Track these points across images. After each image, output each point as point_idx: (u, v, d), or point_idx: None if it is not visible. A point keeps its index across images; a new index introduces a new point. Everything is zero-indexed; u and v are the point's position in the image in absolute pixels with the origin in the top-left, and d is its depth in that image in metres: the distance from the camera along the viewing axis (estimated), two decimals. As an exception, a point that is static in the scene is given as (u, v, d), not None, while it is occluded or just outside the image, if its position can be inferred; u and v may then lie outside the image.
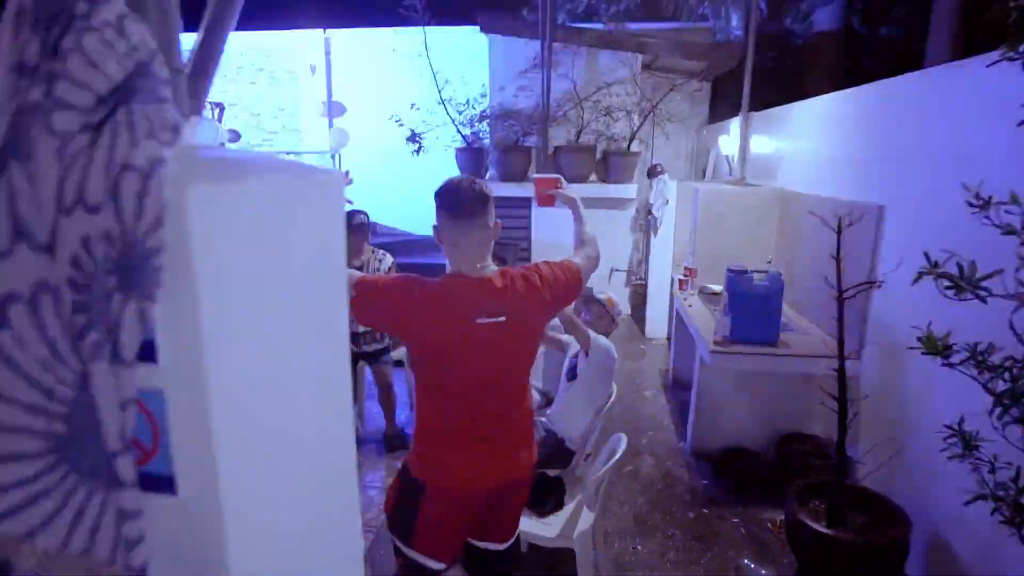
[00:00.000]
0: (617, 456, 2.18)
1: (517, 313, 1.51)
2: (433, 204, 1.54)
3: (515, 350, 1.58)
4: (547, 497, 2.38)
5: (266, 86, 8.46)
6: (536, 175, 2.41)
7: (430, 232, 1.60)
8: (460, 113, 6.32)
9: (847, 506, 2.24)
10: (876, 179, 2.81)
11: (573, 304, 2.28)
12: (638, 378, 4.72)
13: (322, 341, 0.72)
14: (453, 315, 1.48)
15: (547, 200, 2.21)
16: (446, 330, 1.49)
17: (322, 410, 0.73)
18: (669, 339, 5.60)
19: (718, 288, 4.24)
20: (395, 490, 1.64)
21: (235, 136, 8.44)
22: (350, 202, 3.50)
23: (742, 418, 3.41)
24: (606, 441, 2.39)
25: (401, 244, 7.55)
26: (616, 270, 6.28)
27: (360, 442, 3.53)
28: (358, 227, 3.46)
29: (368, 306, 1.50)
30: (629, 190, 6.03)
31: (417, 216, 8.07)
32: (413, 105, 5.99)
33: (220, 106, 8.33)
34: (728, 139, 5.60)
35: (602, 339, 2.56)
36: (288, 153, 8.21)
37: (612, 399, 2.65)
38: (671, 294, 5.53)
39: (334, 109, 7.53)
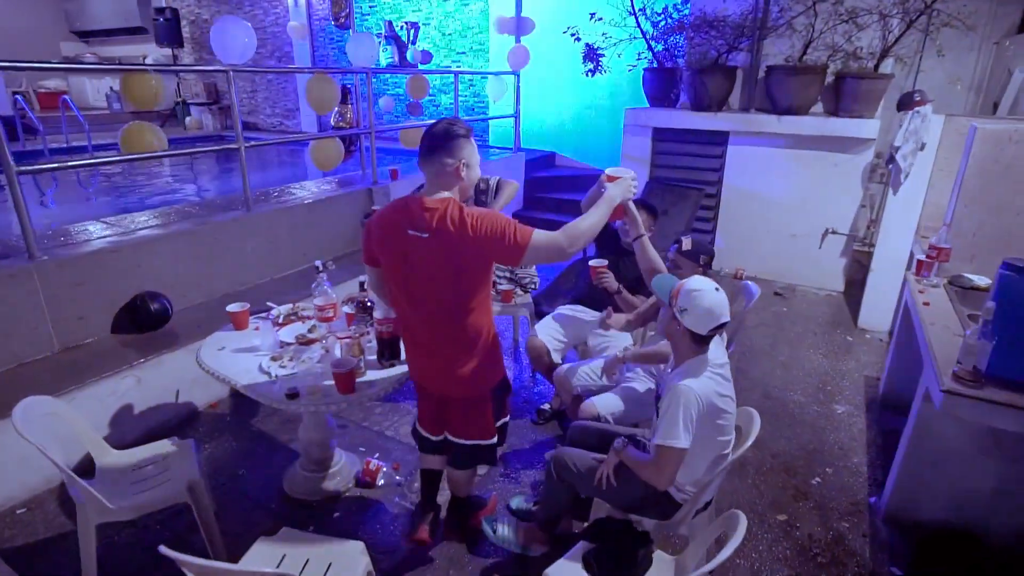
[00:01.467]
0: (734, 544, 1.41)
1: (439, 233, 1.70)
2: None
3: (439, 265, 1.73)
4: (620, 555, 1.71)
5: (458, 3, 8.14)
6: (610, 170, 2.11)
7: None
8: (655, 26, 5.25)
9: None
10: None
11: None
12: (831, 384, 3.55)
13: None
14: (392, 227, 1.77)
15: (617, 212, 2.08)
16: (387, 240, 1.79)
17: None
18: (891, 335, 4.19)
19: (981, 282, 2.87)
20: None
21: (427, 57, 8.38)
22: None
23: (977, 489, 2.24)
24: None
25: (572, 179, 6.87)
26: (833, 232, 4.85)
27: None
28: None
29: (365, 244, 1.91)
30: (867, 127, 4.47)
31: (595, 149, 7.28)
32: (593, 15, 5.08)
33: (415, 26, 8.27)
34: (1051, 54, 3.71)
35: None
36: (473, 74, 7.91)
37: (731, 446, 1.86)
38: (905, 276, 4.05)
39: (523, 25, 6.91)
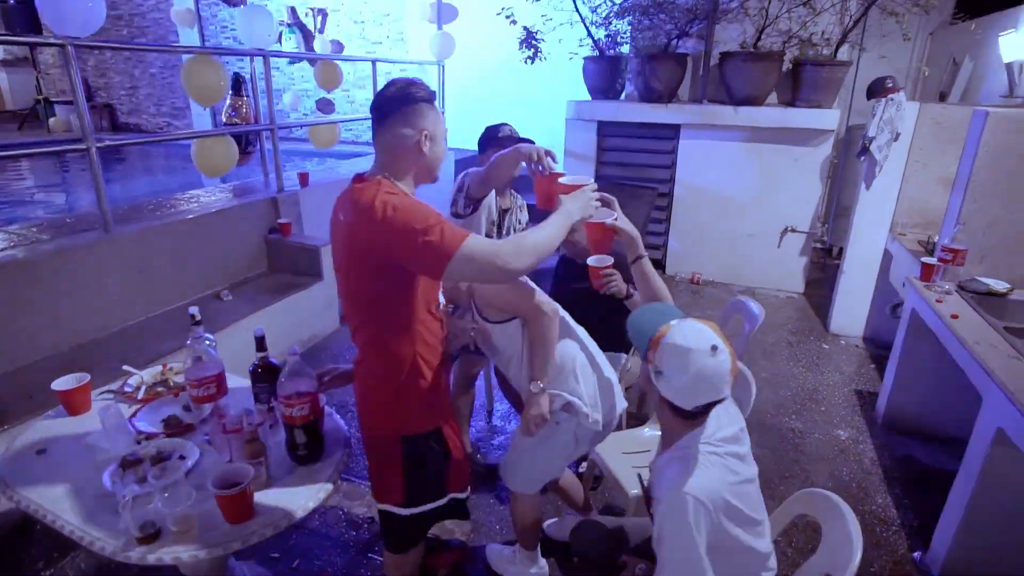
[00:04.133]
0: None
1: (353, 219, 1.30)
2: None
3: (349, 261, 1.36)
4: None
5: (371, -12, 7.36)
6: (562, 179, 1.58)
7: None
8: (594, 10, 4.76)
9: None
10: None
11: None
12: (824, 403, 3.17)
13: None
14: (334, 211, 1.41)
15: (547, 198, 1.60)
16: (332, 222, 1.43)
17: None
18: (866, 340, 3.91)
19: (998, 286, 2.54)
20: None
21: (338, 48, 7.51)
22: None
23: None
24: None
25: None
26: (792, 230, 4.55)
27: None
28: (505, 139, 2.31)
29: None
30: (827, 118, 4.18)
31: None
32: (531, -6, 4.51)
33: (323, 12, 7.38)
34: (1015, 37, 3.53)
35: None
36: (393, 63, 7.14)
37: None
38: (879, 275, 3.78)
39: (445, 12, 6.25)
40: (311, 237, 3.81)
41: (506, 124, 2.41)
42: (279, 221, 3.71)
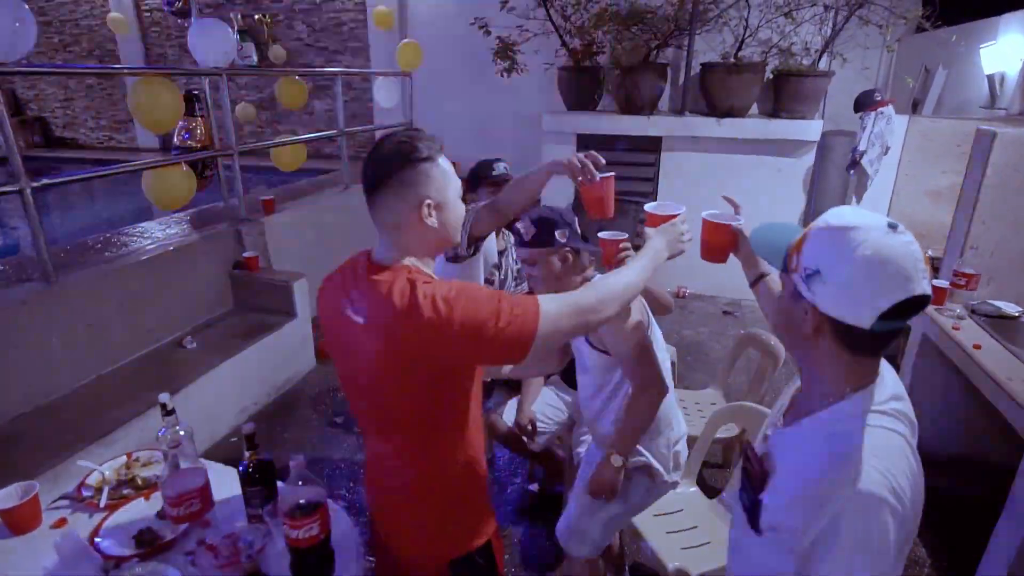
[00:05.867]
0: None
1: (379, 322, 1.03)
2: None
3: (380, 369, 1.08)
4: None
5: (328, -7, 7.00)
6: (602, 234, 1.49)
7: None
8: (567, 18, 4.59)
9: None
10: None
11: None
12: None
13: None
14: (331, 300, 1.16)
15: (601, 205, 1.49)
16: (326, 318, 1.18)
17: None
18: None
19: (1010, 309, 2.49)
20: None
21: (294, 57, 7.12)
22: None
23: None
24: None
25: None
26: (776, 243, 4.49)
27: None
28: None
29: None
30: (810, 129, 4.14)
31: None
32: (507, 3, 4.30)
33: (276, 19, 6.99)
34: (995, 49, 3.53)
35: None
36: (356, 73, 6.82)
37: None
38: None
39: (411, 20, 6.00)
40: (281, 273, 3.50)
41: (500, 160, 2.21)
42: (244, 255, 3.40)
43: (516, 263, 2.20)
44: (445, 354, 1.03)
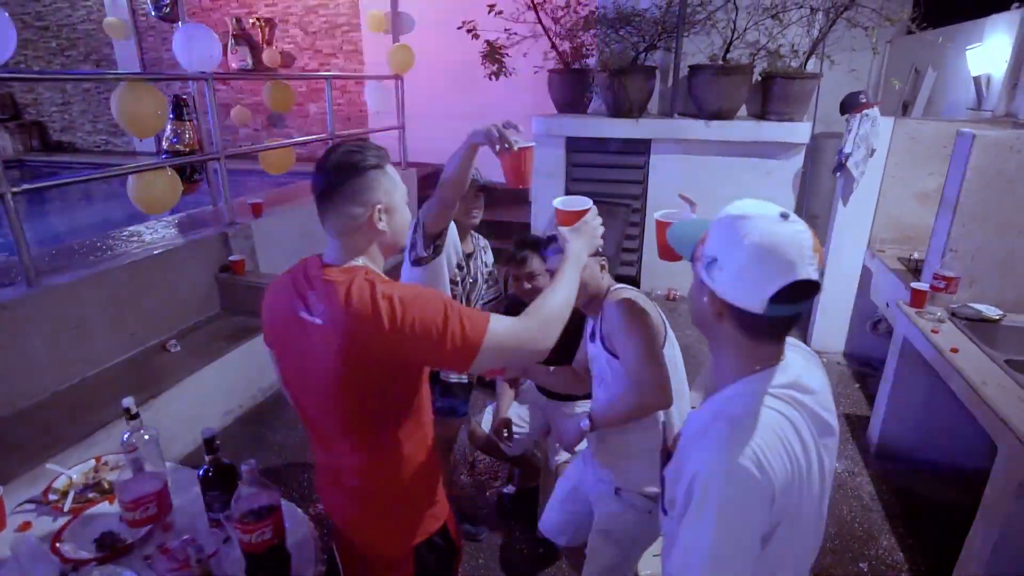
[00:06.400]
0: None
1: (337, 321, 1.05)
2: None
3: (335, 368, 1.08)
4: None
5: (322, -4, 7.02)
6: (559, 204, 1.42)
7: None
8: (557, 20, 4.60)
9: None
10: None
11: None
12: (815, 430, 3.08)
13: None
14: (281, 304, 1.18)
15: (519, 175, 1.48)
16: (274, 324, 1.22)
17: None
18: (847, 356, 3.87)
19: (991, 312, 2.49)
20: None
21: (288, 60, 7.16)
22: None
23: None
24: None
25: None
26: (766, 245, 4.48)
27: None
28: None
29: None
30: (798, 131, 4.13)
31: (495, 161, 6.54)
32: (493, 7, 4.32)
33: (271, 23, 7.01)
34: (982, 51, 3.53)
35: None
36: (346, 77, 6.84)
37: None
38: (858, 291, 3.74)
39: (402, 23, 6.01)
40: (268, 276, 3.52)
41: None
42: (230, 259, 3.41)
43: (487, 266, 2.18)
44: (398, 352, 1.06)
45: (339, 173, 1.12)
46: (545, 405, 2.26)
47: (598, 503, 1.60)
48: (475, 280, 2.07)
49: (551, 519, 1.80)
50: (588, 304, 1.56)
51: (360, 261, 1.15)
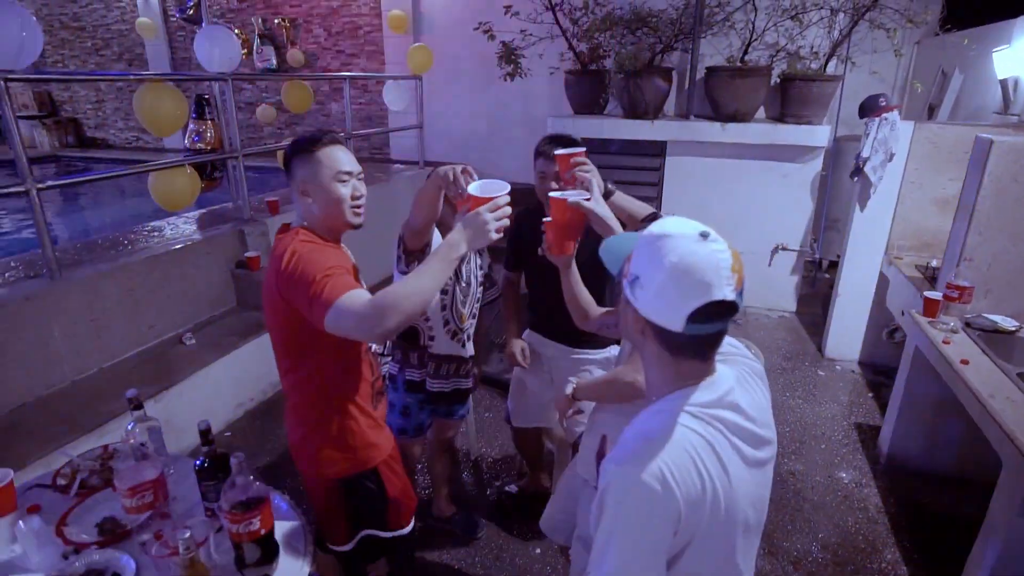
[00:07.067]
0: None
1: (269, 272, 1.39)
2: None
3: (266, 305, 1.43)
4: None
5: (345, -3, 7.11)
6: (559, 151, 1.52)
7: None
8: (575, 21, 4.60)
9: None
10: None
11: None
12: (824, 440, 3.03)
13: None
14: None
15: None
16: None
17: None
18: (862, 365, 3.79)
19: (1007, 324, 2.42)
20: None
21: (312, 60, 7.27)
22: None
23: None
24: None
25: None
26: (783, 248, 4.43)
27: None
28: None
29: None
30: (817, 134, 4.07)
31: (510, 162, 6.56)
32: (509, 9, 4.33)
33: (295, 23, 7.14)
34: (1010, 53, 3.43)
35: None
36: (365, 77, 6.93)
37: None
38: (875, 298, 3.66)
39: (423, 24, 6.07)
40: (281, 271, 3.59)
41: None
42: (246, 255, 3.49)
43: (480, 268, 2.13)
44: (285, 293, 1.30)
45: (287, 155, 1.41)
46: (552, 358, 2.17)
47: (582, 507, 1.60)
48: (468, 284, 2.04)
49: (550, 516, 1.81)
50: None
51: (304, 224, 1.41)
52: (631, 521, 0.79)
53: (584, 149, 1.52)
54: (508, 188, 1.30)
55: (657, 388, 0.91)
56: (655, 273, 0.82)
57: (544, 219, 1.36)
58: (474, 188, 1.32)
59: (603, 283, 1.85)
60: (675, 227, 0.84)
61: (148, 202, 3.55)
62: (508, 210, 1.29)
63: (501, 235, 1.28)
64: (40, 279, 2.66)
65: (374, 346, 2.04)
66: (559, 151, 1.55)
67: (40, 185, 2.54)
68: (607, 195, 1.58)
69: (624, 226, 1.74)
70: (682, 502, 0.78)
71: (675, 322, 0.81)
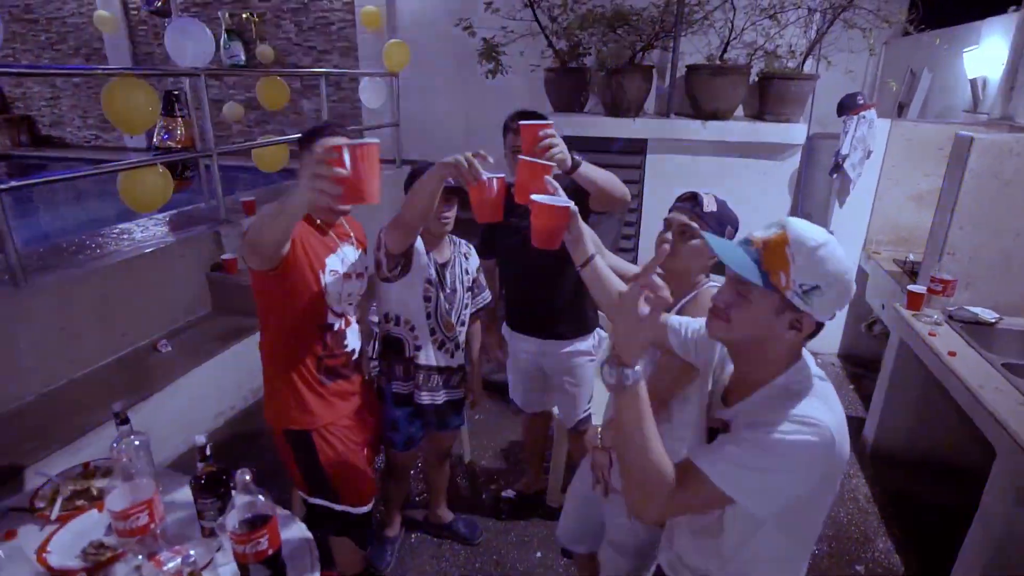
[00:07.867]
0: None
1: None
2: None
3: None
4: None
5: (316, -8, 6.95)
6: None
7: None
8: (554, 19, 4.57)
9: None
10: None
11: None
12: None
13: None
14: None
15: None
16: None
17: None
18: (841, 357, 3.88)
19: (987, 316, 2.49)
20: None
21: (283, 56, 7.08)
22: None
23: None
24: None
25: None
26: (761, 246, 4.48)
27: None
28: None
29: None
30: (795, 132, 4.13)
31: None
32: (489, 5, 4.28)
33: (265, 18, 6.94)
34: (979, 53, 3.53)
35: None
36: (341, 74, 6.78)
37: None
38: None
39: (398, 20, 5.96)
40: (260, 274, 3.47)
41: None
42: (223, 257, 3.37)
43: (468, 273, 2.02)
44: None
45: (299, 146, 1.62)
46: (538, 353, 2.15)
47: (609, 514, 1.58)
48: (453, 291, 1.94)
49: (568, 528, 1.78)
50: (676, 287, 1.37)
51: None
52: (808, 465, 0.94)
53: (551, 123, 1.52)
54: (377, 142, 1.19)
55: (778, 366, 1.00)
56: (834, 282, 0.92)
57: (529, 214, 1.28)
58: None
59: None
60: (820, 234, 0.93)
61: (110, 204, 3.38)
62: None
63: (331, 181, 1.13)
64: (3, 286, 2.50)
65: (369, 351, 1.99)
66: (525, 122, 1.51)
67: (2, 186, 2.38)
68: (574, 166, 1.60)
69: (587, 195, 1.75)
70: (836, 443, 0.94)
71: (829, 315, 0.95)
